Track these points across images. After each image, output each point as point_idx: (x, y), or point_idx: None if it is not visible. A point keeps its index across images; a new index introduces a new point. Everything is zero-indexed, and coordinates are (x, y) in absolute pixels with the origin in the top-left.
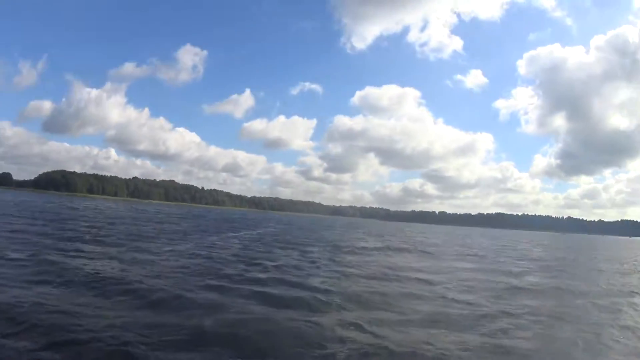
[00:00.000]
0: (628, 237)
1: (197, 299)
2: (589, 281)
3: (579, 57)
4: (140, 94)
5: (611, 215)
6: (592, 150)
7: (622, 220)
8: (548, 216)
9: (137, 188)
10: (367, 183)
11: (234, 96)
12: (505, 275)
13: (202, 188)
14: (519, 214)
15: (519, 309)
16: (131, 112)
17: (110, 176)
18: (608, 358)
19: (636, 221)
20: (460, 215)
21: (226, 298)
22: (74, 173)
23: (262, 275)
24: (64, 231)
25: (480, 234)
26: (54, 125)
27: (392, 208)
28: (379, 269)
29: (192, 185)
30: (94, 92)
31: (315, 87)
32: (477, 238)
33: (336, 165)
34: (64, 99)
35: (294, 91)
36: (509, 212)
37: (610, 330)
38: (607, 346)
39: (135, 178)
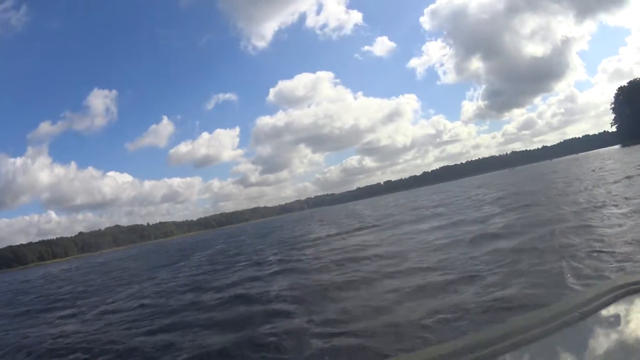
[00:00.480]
0: (576, 155)
1: (144, 347)
2: (556, 207)
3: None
4: (63, 150)
5: (552, 139)
6: (516, 83)
7: (564, 141)
8: (492, 156)
9: (86, 242)
10: (306, 174)
11: (153, 126)
12: (470, 224)
13: (148, 224)
14: (463, 162)
15: (496, 256)
16: (59, 170)
17: (57, 238)
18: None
19: (577, 137)
20: (405, 179)
21: (178, 337)
22: (20, 245)
23: (214, 301)
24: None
25: (431, 192)
26: None
27: (338, 191)
28: (339, 256)
29: (138, 225)
30: (18, 161)
31: (229, 96)
32: (428, 196)
33: (270, 165)
34: None
35: (210, 105)
36: (452, 164)
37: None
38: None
39: (81, 233)
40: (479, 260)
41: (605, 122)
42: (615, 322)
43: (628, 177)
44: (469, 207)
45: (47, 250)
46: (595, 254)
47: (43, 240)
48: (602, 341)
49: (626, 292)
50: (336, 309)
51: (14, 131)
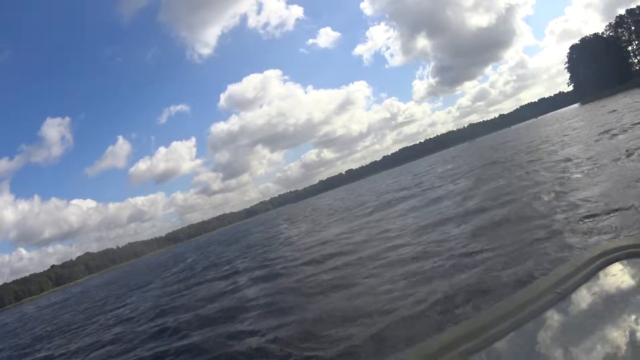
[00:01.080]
0: (535, 119)
1: None
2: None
3: None
4: (25, 184)
5: (508, 107)
6: (464, 56)
7: (520, 107)
8: (450, 131)
9: (59, 275)
10: (266, 175)
11: (110, 148)
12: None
13: (118, 247)
14: (422, 141)
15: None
16: (23, 205)
17: (30, 275)
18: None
19: (533, 102)
20: (367, 166)
21: None
22: None
23: (175, 323)
24: None
25: (393, 175)
26: None
27: (301, 187)
28: (314, 255)
29: (109, 249)
30: None
31: (181, 107)
32: (388, 180)
33: (230, 171)
34: None
35: (162, 119)
36: (412, 144)
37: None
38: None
39: (53, 266)
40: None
41: (559, 84)
42: (597, 297)
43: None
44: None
45: (22, 289)
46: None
47: (16, 279)
48: (584, 322)
49: (607, 261)
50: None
51: None
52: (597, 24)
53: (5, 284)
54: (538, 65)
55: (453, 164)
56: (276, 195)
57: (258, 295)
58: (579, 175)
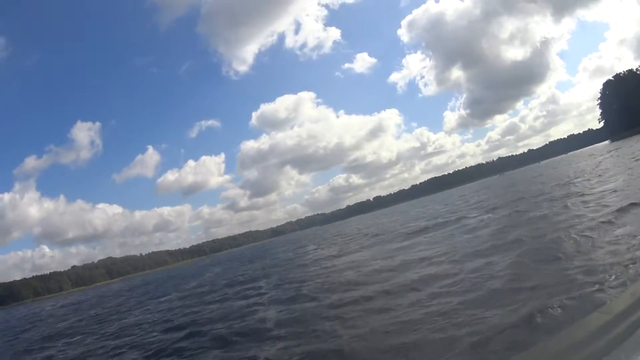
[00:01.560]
0: (565, 155)
1: None
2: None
3: (455, 6)
4: (51, 184)
5: (537, 142)
6: (497, 89)
7: (549, 143)
8: (479, 164)
9: (79, 276)
10: (294, 196)
11: (139, 157)
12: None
13: (141, 254)
14: (451, 172)
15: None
16: (48, 204)
17: (51, 273)
18: None
19: (563, 138)
20: (394, 194)
21: None
22: (13, 282)
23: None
24: None
25: (422, 204)
26: None
27: (328, 210)
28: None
29: (131, 255)
30: (6, 197)
31: (212, 122)
32: (421, 209)
33: (258, 189)
34: None
35: (193, 133)
36: (440, 174)
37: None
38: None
39: (74, 267)
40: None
41: (589, 121)
42: None
43: None
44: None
45: (42, 285)
46: None
47: (37, 275)
48: None
49: None
50: None
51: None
52: (630, 62)
53: (25, 279)
54: (569, 101)
55: (485, 195)
56: (303, 217)
57: (276, 318)
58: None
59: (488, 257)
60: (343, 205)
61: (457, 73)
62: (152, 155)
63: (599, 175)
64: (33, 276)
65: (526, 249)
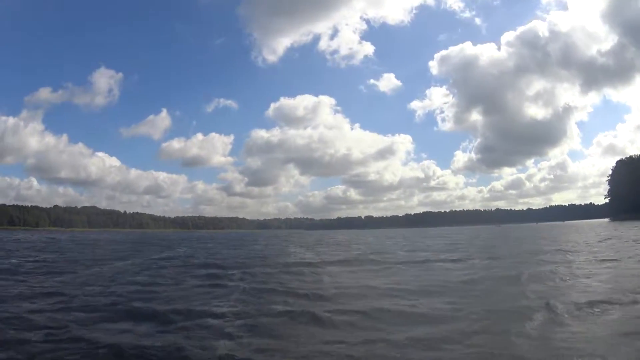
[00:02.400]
0: (562, 222)
1: None
2: None
3: (490, 54)
4: (58, 120)
5: (537, 203)
6: (511, 142)
7: (550, 207)
8: (476, 210)
9: (59, 217)
10: (289, 194)
11: (151, 117)
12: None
13: (125, 212)
14: (447, 211)
15: None
16: (50, 139)
17: (31, 206)
18: None
19: (563, 205)
20: (387, 217)
21: None
22: None
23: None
24: None
25: (417, 234)
26: None
27: (317, 217)
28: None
29: (115, 210)
30: (10, 120)
31: (230, 102)
32: (417, 238)
33: (257, 179)
34: None
35: (209, 108)
36: (436, 210)
37: None
38: None
39: (56, 207)
40: None
41: (592, 195)
42: None
43: None
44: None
45: (19, 216)
46: None
47: (17, 205)
48: None
49: None
50: None
51: (12, 90)
52: None
53: (4, 205)
54: (577, 171)
55: (488, 242)
56: (292, 217)
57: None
58: None
59: None
60: (334, 216)
61: (476, 116)
62: (163, 119)
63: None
64: (13, 205)
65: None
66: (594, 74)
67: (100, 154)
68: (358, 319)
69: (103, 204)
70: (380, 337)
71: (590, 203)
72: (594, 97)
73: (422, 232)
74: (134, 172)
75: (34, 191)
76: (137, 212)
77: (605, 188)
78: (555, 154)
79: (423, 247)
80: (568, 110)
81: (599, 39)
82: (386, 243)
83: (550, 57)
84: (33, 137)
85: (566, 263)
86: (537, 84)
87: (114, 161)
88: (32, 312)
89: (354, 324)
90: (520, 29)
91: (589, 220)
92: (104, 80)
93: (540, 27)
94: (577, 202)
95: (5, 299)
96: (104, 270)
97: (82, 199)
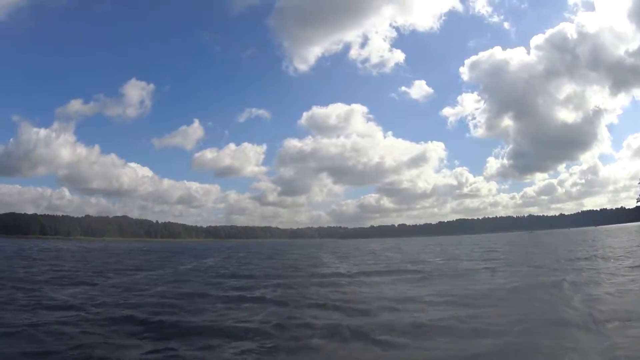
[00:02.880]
0: (594, 227)
1: None
2: None
3: (520, 58)
4: (90, 131)
5: (569, 208)
6: (542, 147)
7: (582, 212)
8: (509, 217)
9: (91, 226)
10: (322, 203)
11: (183, 127)
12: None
13: (157, 222)
14: (480, 218)
15: None
16: (82, 150)
17: (62, 216)
18: None
19: (595, 210)
20: (420, 225)
21: None
22: (24, 215)
23: None
24: None
25: (451, 242)
26: (3, 167)
27: (350, 225)
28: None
29: (146, 220)
30: (42, 132)
31: (262, 112)
32: (453, 247)
33: (290, 188)
34: (11, 140)
35: (241, 118)
36: (469, 218)
37: None
38: None
39: (87, 216)
40: None
41: (622, 199)
42: None
43: None
44: None
45: (50, 225)
46: None
47: (48, 214)
48: None
49: None
50: None
51: (44, 102)
52: None
53: (36, 214)
54: (608, 175)
55: (524, 249)
56: (325, 225)
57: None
58: None
59: None
60: (367, 225)
61: (507, 122)
62: (196, 130)
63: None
64: (45, 214)
65: None
66: (623, 75)
67: (132, 164)
68: (407, 333)
69: (135, 214)
70: (437, 356)
71: (622, 207)
72: (623, 99)
73: (457, 239)
74: (166, 182)
75: (66, 201)
76: (169, 222)
77: (636, 191)
78: (586, 158)
79: (460, 255)
80: (598, 113)
81: (627, 38)
82: (423, 252)
83: (579, 60)
84: (65, 148)
85: (605, 269)
86: (567, 88)
87: (146, 171)
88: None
89: (404, 339)
90: (549, 32)
91: (621, 225)
92: (136, 91)
93: (568, 29)
94: (608, 207)
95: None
96: (123, 280)
97: (115, 209)
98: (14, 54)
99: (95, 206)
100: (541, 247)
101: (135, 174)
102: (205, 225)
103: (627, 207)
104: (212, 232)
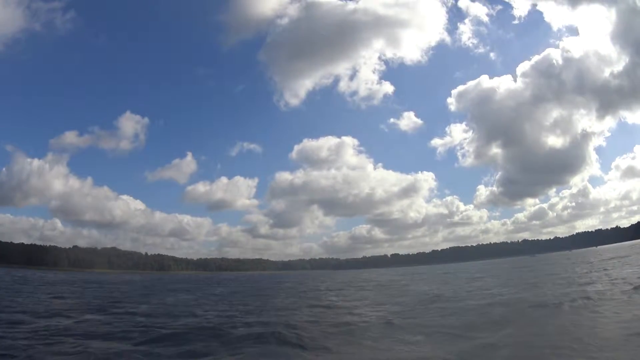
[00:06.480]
0: (595, 247)
1: None
2: None
3: (506, 86)
4: (83, 163)
5: (560, 232)
6: (532, 172)
7: (576, 234)
8: (503, 242)
9: (78, 257)
10: (314, 235)
11: (176, 161)
12: None
13: (146, 254)
14: (474, 245)
15: None
16: (74, 182)
17: (49, 246)
18: None
19: (589, 232)
20: (413, 255)
21: None
22: (9, 244)
23: None
24: None
25: (450, 270)
26: None
27: (343, 257)
28: None
29: (136, 252)
30: (35, 162)
31: (254, 146)
32: (455, 276)
33: (281, 220)
34: (4, 169)
35: (233, 152)
36: (462, 245)
37: None
38: None
39: (75, 247)
40: None
41: (614, 219)
42: None
43: None
44: None
45: (37, 257)
46: None
47: (35, 244)
48: None
49: None
50: None
51: (38, 133)
52: None
53: (22, 244)
54: (599, 197)
55: (535, 273)
56: (317, 257)
57: None
58: None
59: None
60: (359, 255)
61: (495, 150)
62: (189, 163)
63: None
64: (32, 244)
65: None
66: (609, 97)
67: (124, 196)
68: None
69: (127, 246)
70: None
71: (617, 227)
72: (610, 121)
73: (454, 267)
74: (158, 215)
75: (57, 232)
76: (158, 254)
77: (627, 211)
78: (576, 182)
79: (476, 286)
80: (586, 136)
81: (612, 60)
82: (436, 280)
83: (565, 84)
84: (58, 180)
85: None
86: (554, 113)
87: (138, 204)
88: None
89: None
90: (535, 58)
91: (618, 244)
92: (130, 125)
93: (554, 54)
94: (602, 227)
95: None
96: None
97: (106, 241)
98: (10, 84)
99: (87, 238)
100: (556, 270)
101: (128, 206)
102: (195, 258)
103: (622, 227)
104: (203, 265)
